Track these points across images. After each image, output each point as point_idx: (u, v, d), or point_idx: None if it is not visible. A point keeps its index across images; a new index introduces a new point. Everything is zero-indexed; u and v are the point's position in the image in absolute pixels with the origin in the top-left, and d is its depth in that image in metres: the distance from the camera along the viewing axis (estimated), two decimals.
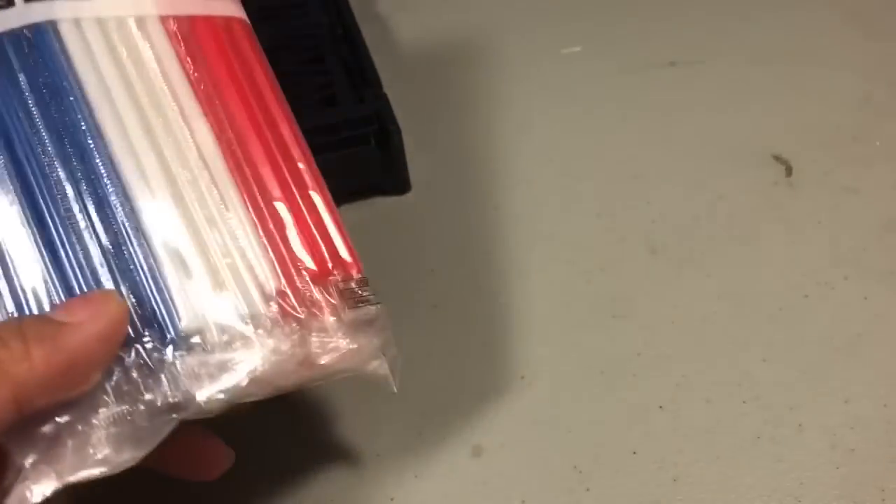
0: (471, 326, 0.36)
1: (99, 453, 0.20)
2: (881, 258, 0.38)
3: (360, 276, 0.27)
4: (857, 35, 0.52)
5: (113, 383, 0.20)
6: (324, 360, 0.24)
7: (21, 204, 0.22)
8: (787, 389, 0.33)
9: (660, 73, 0.49)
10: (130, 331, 0.21)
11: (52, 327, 0.19)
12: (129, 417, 0.20)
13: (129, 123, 0.24)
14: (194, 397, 0.21)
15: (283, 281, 0.25)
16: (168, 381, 0.21)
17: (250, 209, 0.25)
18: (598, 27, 0.53)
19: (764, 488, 0.30)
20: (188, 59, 0.26)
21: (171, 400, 0.21)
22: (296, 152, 0.28)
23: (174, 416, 0.21)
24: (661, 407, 0.33)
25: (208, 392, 0.21)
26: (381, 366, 0.26)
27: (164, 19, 0.26)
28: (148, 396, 0.21)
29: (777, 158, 0.43)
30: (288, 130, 0.28)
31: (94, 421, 0.20)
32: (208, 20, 0.27)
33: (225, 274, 0.24)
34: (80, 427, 0.20)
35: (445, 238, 0.40)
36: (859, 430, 0.31)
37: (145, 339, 0.21)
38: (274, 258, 0.25)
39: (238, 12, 0.29)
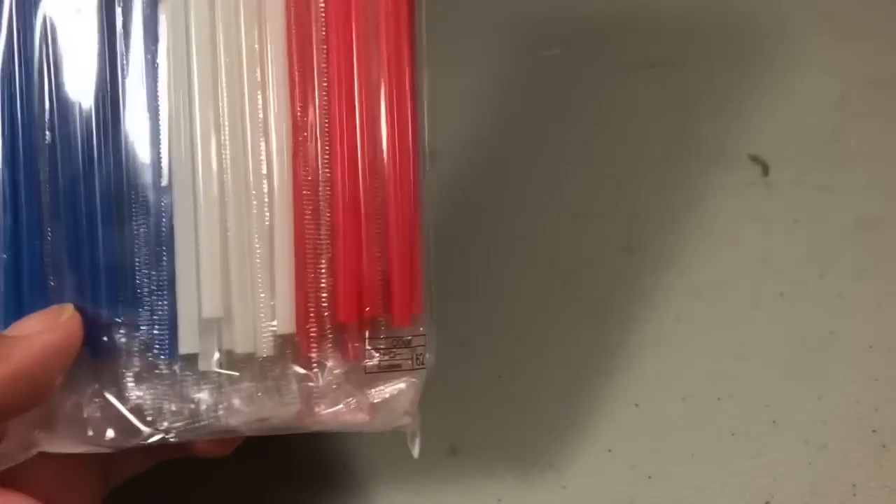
0: (448, 326, 0.36)
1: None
2: (855, 257, 0.38)
3: (410, 327, 0.23)
4: (832, 35, 0.52)
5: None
6: (326, 413, 0.22)
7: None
8: (762, 386, 0.33)
9: (639, 74, 0.50)
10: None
11: (1, 340, 0.19)
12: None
13: (198, 87, 0.20)
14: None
15: (300, 320, 0.21)
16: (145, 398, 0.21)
17: (296, 230, 0.21)
18: (577, 29, 0.53)
19: (737, 485, 0.30)
20: (296, 19, 0.20)
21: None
22: (400, 159, 0.22)
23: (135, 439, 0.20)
24: (636, 405, 0.33)
25: (167, 423, 0.21)
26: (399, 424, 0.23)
27: None
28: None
29: (754, 158, 0.43)
30: (408, 138, 0.23)
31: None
32: None
33: (241, 299, 0.21)
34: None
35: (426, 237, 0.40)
36: (832, 426, 0.32)
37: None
38: (300, 291, 0.21)
39: None
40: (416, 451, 0.24)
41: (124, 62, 0.19)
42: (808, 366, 0.34)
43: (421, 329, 0.24)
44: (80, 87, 0.19)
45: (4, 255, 0.20)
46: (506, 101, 0.49)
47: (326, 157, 0.21)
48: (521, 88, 0.50)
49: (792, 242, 0.39)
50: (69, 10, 0.19)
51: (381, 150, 0.22)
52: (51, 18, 0.19)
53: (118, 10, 0.19)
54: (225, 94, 0.20)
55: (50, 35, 0.19)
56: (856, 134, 0.45)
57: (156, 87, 0.19)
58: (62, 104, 0.19)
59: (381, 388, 0.23)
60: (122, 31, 0.19)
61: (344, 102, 0.21)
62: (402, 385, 0.24)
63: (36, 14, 0.19)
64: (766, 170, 0.43)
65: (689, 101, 0.48)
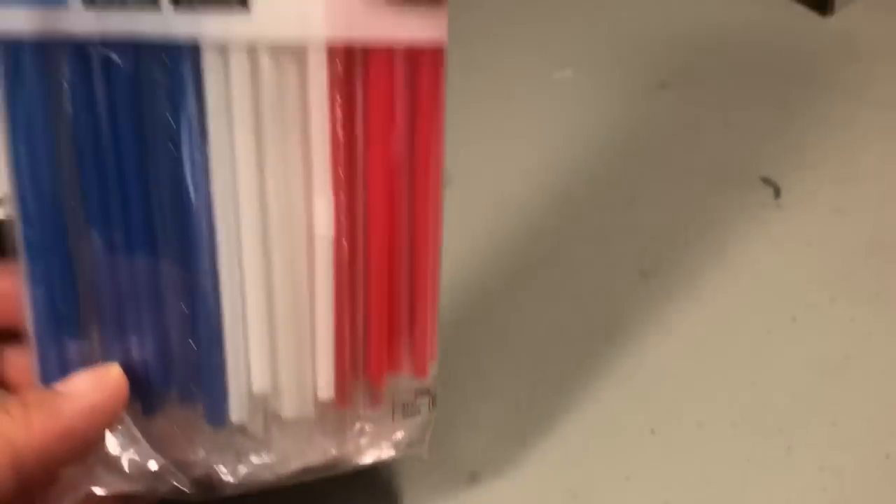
0: (466, 352, 0.37)
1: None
2: (867, 280, 0.38)
3: (425, 380, 0.25)
4: (843, 56, 0.53)
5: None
6: (354, 458, 0.24)
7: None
8: (776, 412, 0.34)
9: (650, 95, 0.50)
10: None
11: (51, 396, 0.20)
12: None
13: (243, 184, 0.20)
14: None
15: (338, 384, 0.23)
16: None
17: (335, 305, 0.22)
18: (589, 50, 0.54)
19: None
20: (341, 107, 0.21)
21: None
22: (429, 236, 0.24)
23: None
24: (652, 431, 0.33)
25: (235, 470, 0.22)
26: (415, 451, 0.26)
27: (331, 47, 0.20)
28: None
29: (765, 180, 0.44)
30: (433, 213, 0.24)
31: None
32: (390, 52, 0.21)
33: (287, 372, 0.22)
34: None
35: (441, 265, 0.41)
36: (846, 451, 0.32)
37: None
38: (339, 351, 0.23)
39: (435, 34, 0.21)
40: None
41: (182, 153, 0.20)
42: (821, 391, 0.34)
43: (433, 374, 0.25)
44: (142, 169, 0.20)
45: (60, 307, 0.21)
46: (518, 122, 0.49)
47: (364, 238, 0.23)
48: (533, 110, 0.50)
49: (804, 266, 0.39)
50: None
51: (410, 227, 0.23)
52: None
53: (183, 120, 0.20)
54: (272, 183, 0.21)
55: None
56: (866, 154, 0.45)
57: (206, 166, 0.20)
58: (126, 180, 0.20)
59: (403, 427, 0.25)
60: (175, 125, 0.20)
61: (381, 189, 0.22)
62: (419, 421, 0.26)
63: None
64: (777, 192, 0.43)
65: (701, 123, 0.48)
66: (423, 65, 0.21)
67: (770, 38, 0.55)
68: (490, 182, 0.45)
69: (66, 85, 0.19)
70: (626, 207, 0.43)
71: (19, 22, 0.18)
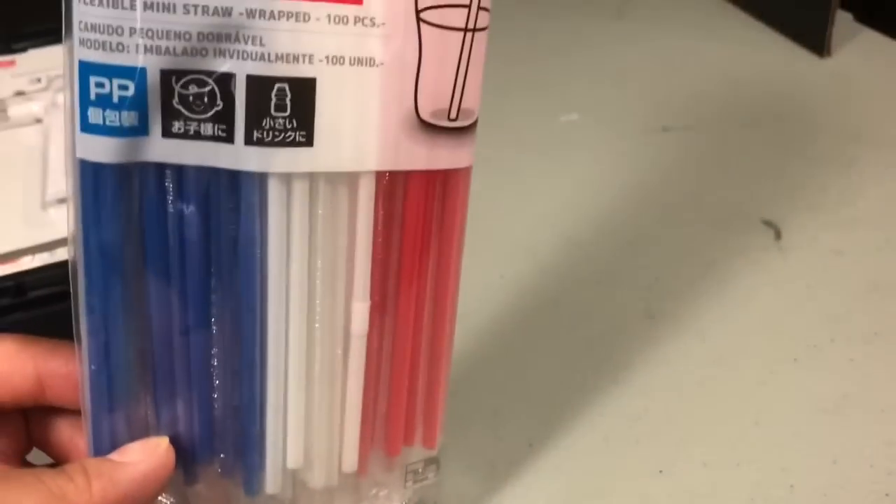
0: (478, 394, 0.38)
1: None
2: (865, 320, 0.40)
3: (434, 450, 0.27)
4: (841, 96, 0.54)
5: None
6: None
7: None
8: (779, 451, 0.35)
9: (653, 138, 0.52)
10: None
11: (109, 465, 0.22)
12: None
13: (294, 294, 0.22)
14: None
15: (361, 459, 0.25)
16: None
17: (366, 391, 0.25)
18: (595, 95, 0.56)
19: None
20: (383, 224, 0.23)
21: None
22: (445, 327, 0.26)
23: None
24: (660, 471, 0.35)
25: None
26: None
27: (379, 174, 0.23)
28: None
29: (767, 223, 0.45)
30: (448, 316, 0.26)
31: None
32: (427, 175, 0.23)
33: (318, 450, 0.24)
34: None
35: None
36: (847, 490, 0.33)
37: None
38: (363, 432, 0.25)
39: (464, 160, 0.24)
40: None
41: (243, 259, 0.22)
42: (822, 430, 0.35)
43: (440, 443, 0.28)
44: (204, 265, 0.22)
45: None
46: (526, 164, 0.51)
47: (391, 334, 0.25)
48: (540, 153, 0.52)
49: (804, 307, 0.41)
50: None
51: (432, 324, 0.26)
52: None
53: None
54: (319, 287, 0.23)
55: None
56: (865, 195, 0.47)
57: (264, 271, 0.22)
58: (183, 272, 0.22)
59: (414, 490, 0.28)
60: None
61: (409, 293, 0.25)
62: (428, 484, 0.28)
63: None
64: (778, 234, 0.45)
65: (703, 165, 0.50)
66: (452, 185, 0.24)
67: (769, 81, 0.56)
68: (500, 224, 0.47)
69: (142, 201, 0.21)
70: (632, 250, 0.45)
71: (104, 150, 0.20)
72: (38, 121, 0.49)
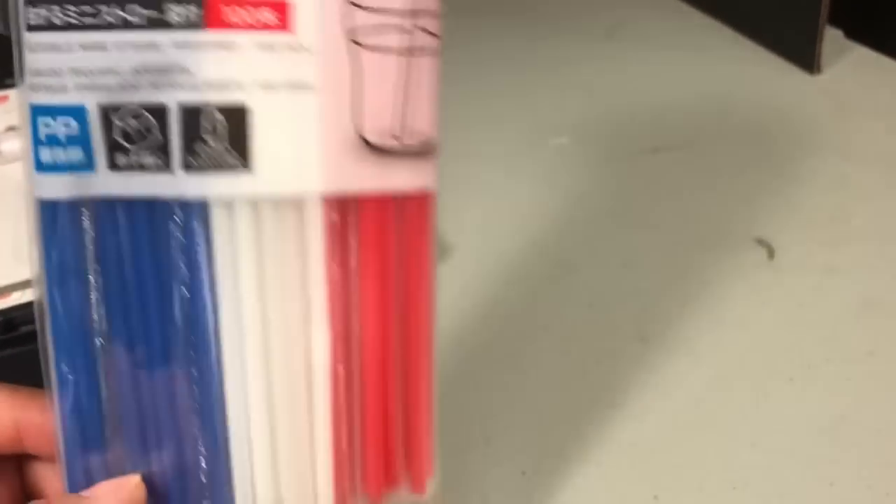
0: (470, 422, 0.38)
1: None
2: (860, 339, 0.40)
3: (424, 496, 0.26)
4: (831, 113, 0.54)
5: None
6: None
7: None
8: (776, 474, 0.34)
9: (644, 159, 0.52)
10: None
11: (75, 500, 0.22)
12: None
13: (247, 324, 0.22)
14: None
15: (337, 499, 0.24)
16: None
17: (333, 424, 0.24)
18: (585, 117, 0.56)
19: None
20: (336, 249, 0.23)
21: None
22: (424, 359, 0.25)
23: None
24: (655, 497, 0.34)
25: None
26: None
27: (327, 199, 0.22)
28: None
29: (759, 241, 0.45)
30: (426, 339, 0.25)
31: None
32: (380, 198, 0.23)
33: (288, 490, 0.24)
34: None
35: (446, 334, 0.42)
36: None
37: None
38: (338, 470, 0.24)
39: (419, 182, 0.24)
40: None
41: (194, 293, 0.22)
42: (819, 451, 0.35)
43: (432, 489, 0.27)
44: (161, 302, 0.22)
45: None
46: (517, 188, 0.51)
47: (358, 364, 0.24)
48: (531, 177, 0.52)
49: (799, 326, 0.40)
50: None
51: (404, 355, 0.25)
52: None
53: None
54: (273, 317, 0.23)
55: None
56: (857, 213, 0.47)
57: (216, 303, 0.22)
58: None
59: None
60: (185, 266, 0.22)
61: (373, 320, 0.24)
62: None
63: None
64: (771, 253, 0.45)
65: (695, 185, 0.50)
66: (410, 210, 0.24)
67: (760, 98, 0.56)
68: (490, 249, 0.47)
69: (92, 235, 0.21)
70: (624, 271, 0.45)
71: (57, 188, 0.21)
72: None
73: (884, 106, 0.55)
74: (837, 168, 0.50)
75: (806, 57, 0.58)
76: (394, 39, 0.22)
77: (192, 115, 0.21)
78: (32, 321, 0.41)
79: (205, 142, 0.21)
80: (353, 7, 0.21)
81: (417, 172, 0.24)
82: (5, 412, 0.23)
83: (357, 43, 0.22)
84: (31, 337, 0.40)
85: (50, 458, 0.23)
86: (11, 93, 0.56)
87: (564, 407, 0.38)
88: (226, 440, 0.23)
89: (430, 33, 0.23)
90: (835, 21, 0.59)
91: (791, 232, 0.46)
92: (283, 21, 0.21)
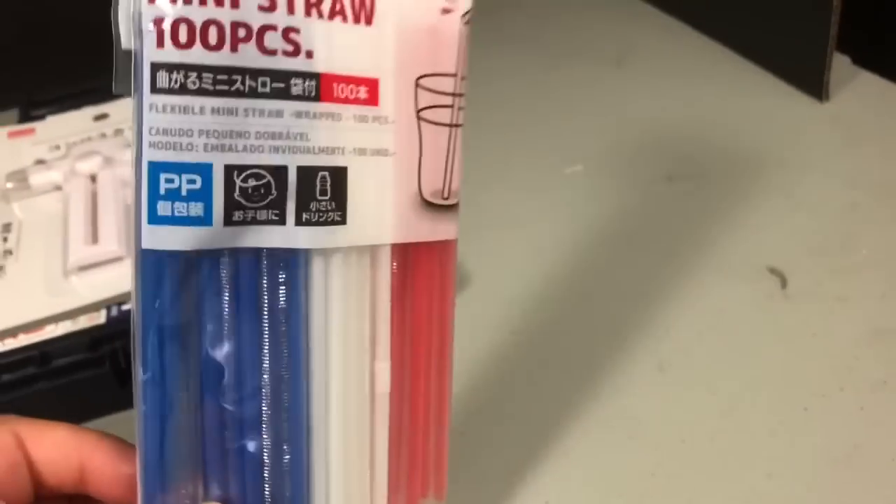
0: (495, 452, 0.39)
1: None
2: (873, 367, 0.41)
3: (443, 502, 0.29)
4: (840, 140, 0.55)
5: None
6: None
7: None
8: (791, 503, 0.35)
9: (657, 188, 0.53)
10: None
11: None
12: None
13: (333, 359, 0.25)
14: None
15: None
16: None
17: (390, 452, 0.27)
18: (598, 147, 0.57)
19: None
20: (398, 291, 0.26)
21: None
22: (446, 383, 0.29)
23: None
24: None
25: None
26: None
27: (394, 246, 0.26)
28: None
29: (772, 271, 0.46)
30: (448, 366, 0.29)
31: None
32: (429, 246, 0.27)
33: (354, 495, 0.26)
34: None
35: (465, 363, 0.43)
36: None
37: None
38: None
39: (454, 232, 0.28)
40: None
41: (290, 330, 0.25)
42: (835, 481, 0.36)
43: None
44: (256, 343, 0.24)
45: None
46: (533, 217, 0.52)
47: (408, 389, 0.28)
48: (547, 205, 0.53)
49: (812, 356, 0.41)
50: None
51: (439, 378, 0.29)
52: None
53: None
54: (352, 351, 0.26)
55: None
56: (867, 241, 0.48)
57: (308, 340, 0.25)
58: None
59: None
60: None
61: (422, 352, 0.28)
62: None
63: None
64: (784, 282, 0.46)
65: (707, 214, 0.51)
66: (446, 254, 0.28)
67: (769, 126, 0.57)
68: (508, 277, 0.48)
69: (200, 284, 0.23)
70: (640, 300, 0.46)
71: (170, 240, 0.22)
72: (58, 188, 0.51)
73: (892, 133, 0.56)
74: (846, 195, 0.51)
75: (814, 84, 0.59)
76: (445, 115, 0.26)
77: (308, 177, 0.23)
78: (66, 354, 0.42)
79: (316, 199, 0.24)
80: (419, 88, 0.25)
81: (453, 223, 0.27)
82: (72, 452, 0.24)
83: (422, 118, 0.25)
84: (65, 370, 0.42)
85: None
86: (38, 125, 0.58)
87: (585, 436, 0.39)
88: (309, 465, 0.25)
89: (463, 108, 0.27)
90: (842, 47, 0.60)
91: (802, 260, 0.47)
92: (372, 96, 0.24)
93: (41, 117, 0.59)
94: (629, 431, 0.39)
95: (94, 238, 0.46)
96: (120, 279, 0.44)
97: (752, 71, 0.63)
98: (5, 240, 0.48)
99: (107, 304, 0.44)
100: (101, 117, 0.57)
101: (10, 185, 0.51)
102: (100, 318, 0.43)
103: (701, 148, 0.56)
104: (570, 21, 0.74)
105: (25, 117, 0.60)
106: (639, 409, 0.40)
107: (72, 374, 0.41)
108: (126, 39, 0.22)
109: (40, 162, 0.53)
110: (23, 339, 0.42)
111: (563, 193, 0.54)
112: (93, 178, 0.50)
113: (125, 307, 0.43)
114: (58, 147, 0.55)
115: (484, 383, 0.42)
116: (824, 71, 0.59)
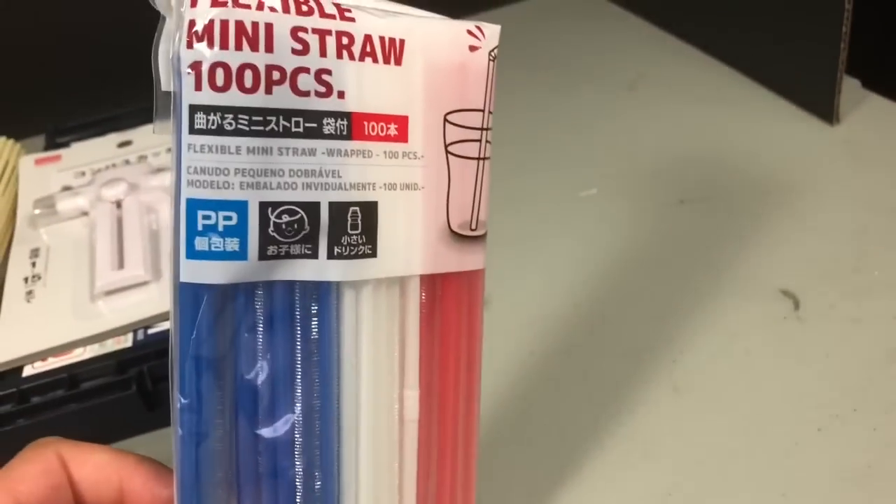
0: (511, 473, 0.40)
1: None
2: (886, 388, 0.41)
3: None
4: (851, 163, 0.56)
5: None
6: None
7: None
8: None
9: (671, 211, 0.54)
10: None
11: None
12: None
13: (363, 387, 0.26)
14: None
15: None
16: None
17: (419, 478, 0.27)
18: (612, 170, 0.58)
19: None
20: (427, 320, 0.27)
21: None
22: (474, 410, 0.29)
23: None
24: None
25: None
26: None
27: (423, 277, 0.27)
28: None
29: (785, 293, 0.47)
30: (476, 394, 0.29)
31: None
32: (458, 276, 0.28)
33: None
34: None
35: (483, 384, 0.44)
36: None
37: None
38: None
39: (482, 262, 0.29)
40: None
41: (322, 359, 0.25)
42: (847, 501, 0.36)
43: None
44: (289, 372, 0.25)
45: None
46: (549, 240, 0.53)
47: (437, 416, 0.28)
48: (563, 228, 0.54)
49: (826, 377, 0.42)
50: None
51: (467, 404, 0.30)
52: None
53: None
54: (383, 379, 0.27)
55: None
56: (879, 263, 0.48)
57: (340, 368, 0.26)
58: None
59: None
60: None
61: (451, 380, 0.29)
62: None
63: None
64: (797, 304, 0.46)
65: (720, 236, 0.51)
66: (475, 284, 0.29)
67: (780, 149, 0.58)
68: (525, 299, 0.49)
69: (235, 315, 0.24)
70: (654, 322, 0.46)
71: (207, 274, 0.23)
72: (85, 213, 0.52)
73: None
74: (858, 218, 0.51)
75: (824, 107, 0.60)
76: (473, 149, 0.27)
77: (339, 212, 0.24)
78: (94, 377, 0.43)
79: (347, 234, 0.25)
80: (447, 123, 0.26)
81: (481, 254, 0.28)
82: (112, 474, 0.25)
83: (450, 152, 0.26)
84: (93, 393, 0.43)
85: None
86: (64, 152, 0.59)
87: (602, 458, 0.40)
88: (339, 491, 0.26)
89: (490, 142, 0.27)
90: (852, 71, 0.60)
91: (815, 283, 0.47)
92: (402, 133, 0.25)
93: (66, 144, 0.60)
94: (645, 452, 0.40)
95: (121, 263, 0.47)
96: (146, 303, 0.45)
97: (763, 95, 0.64)
98: (34, 265, 0.49)
99: (133, 327, 0.45)
100: (124, 144, 0.59)
101: (37, 211, 0.52)
102: (127, 341, 0.44)
103: (713, 171, 0.57)
104: (584, 46, 0.75)
105: (52, 144, 0.61)
106: (654, 431, 0.41)
107: (99, 397, 0.42)
108: (165, 81, 0.23)
109: (67, 188, 0.54)
110: (52, 363, 0.43)
111: (578, 216, 0.55)
112: (118, 204, 0.51)
113: (151, 331, 0.45)
114: (83, 173, 0.56)
115: (500, 403, 0.43)
116: (834, 94, 0.59)
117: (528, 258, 0.52)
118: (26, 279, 0.48)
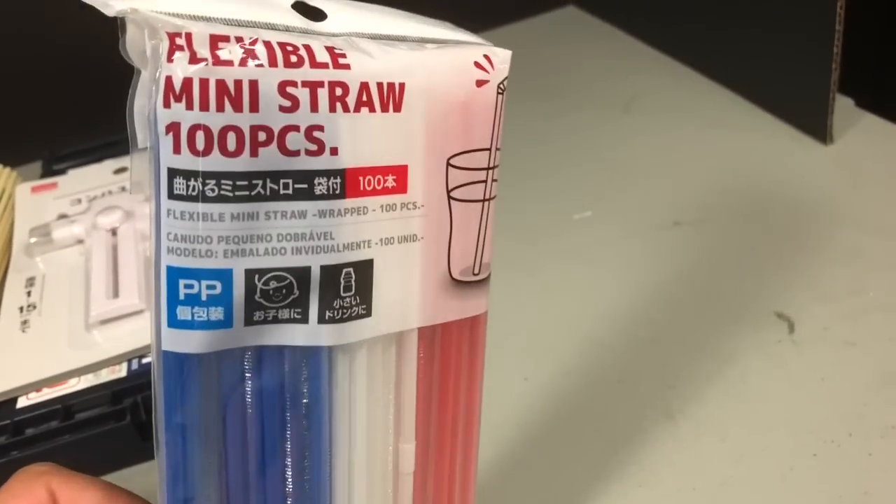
0: (505, 501, 0.40)
1: None
2: (882, 413, 0.41)
3: None
4: (844, 183, 0.56)
5: None
6: None
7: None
8: None
9: (665, 233, 0.54)
10: None
11: None
12: None
13: (357, 444, 0.25)
14: None
15: None
16: None
17: None
18: (607, 193, 0.58)
19: None
20: (425, 371, 0.26)
21: None
22: (472, 460, 0.28)
23: None
24: None
25: None
26: None
27: (420, 329, 0.25)
28: None
29: (779, 316, 0.47)
30: (474, 443, 0.28)
31: None
32: (459, 323, 0.26)
33: None
34: None
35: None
36: None
37: None
38: None
39: (484, 306, 0.27)
40: None
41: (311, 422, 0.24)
42: None
43: None
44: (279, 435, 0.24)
45: None
46: (544, 263, 0.53)
47: (433, 468, 0.27)
48: (558, 251, 0.54)
49: (821, 401, 0.42)
50: None
51: (464, 454, 0.29)
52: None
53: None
54: (377, 435, 0.26)
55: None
56: (874, 285, 0.48)
57: (332, 429, 0.25)
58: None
59: None
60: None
61: (448, 433, 0.28)
62: None
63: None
64: (791, 327, 0.46)
65: (714, 259, 0.52)
66: (476, 328, 0.27)
67: (774, 170, 0.58)
68: (518, 323, 0.49)
69: (221, 382, 0.23)
70: (652, 348, 0.46)
71: (190, 343, 0.22)
72: (80, 242, 0.52)
73: None
74: (852, 239, 0.51)
75: (818, 127, 0.60)
76: (478, 191, 0.25)
77: (331, 276, 0.22)
78: (88, 408, 0.43)
79: (340, 297, 0.23)
80: (451, 167, 0.24)
81: (484, 297, 0.27)
82: None
83: (453, 198, 0.25)
84: (88, 424, 0.43)
85: None
86: (60, 179, 0.59)
87: (597, 486, 0.40)
88: None
89: (496, 180, 0.26)
90: (845, 90, 0.61)
91: (809, 305, 0.47)
92: (400, 184, 0.23)
93: (63, 171, 0.60)
94: (640, 480, 0.40)
95: (116, 292, 0.47)
96: (140, 332, 0.45)
97: (757, 115, 0.65)
98: (29, 294, 0.49)
99: (128, 357, 0.45)
100: (120, 170, 0.59)
101: (33, 239, 0.52)
102: (121, 371, 0.44)
103: (707, 193, 0.57)
104: (578, 67, 0.75)
105: (48, 171, 0.62)
106: (650, 458, 0.40)
107: (94, 428, 0.42)
108: (142, 139, 0.21)
109: (63, 216, 0.54)
110: (46, 393, 0.43)
111: (573, 239, 0.55)
112: (113, 232, 0.51)
113: (145, 360, 0.45)
114: (79, 201, 0.56)
115: (493, 430, 0.43)
116: (828, 115, 0.60)
117: (521, 281, 0.52)
118: (22, 308, 0.48)
